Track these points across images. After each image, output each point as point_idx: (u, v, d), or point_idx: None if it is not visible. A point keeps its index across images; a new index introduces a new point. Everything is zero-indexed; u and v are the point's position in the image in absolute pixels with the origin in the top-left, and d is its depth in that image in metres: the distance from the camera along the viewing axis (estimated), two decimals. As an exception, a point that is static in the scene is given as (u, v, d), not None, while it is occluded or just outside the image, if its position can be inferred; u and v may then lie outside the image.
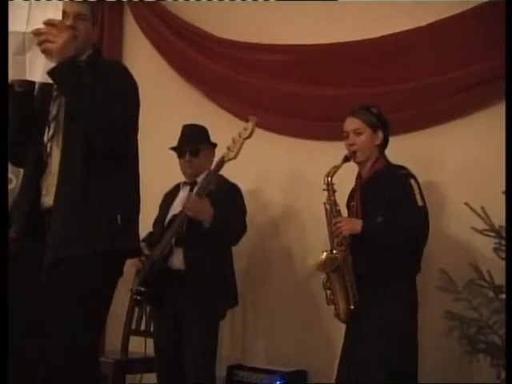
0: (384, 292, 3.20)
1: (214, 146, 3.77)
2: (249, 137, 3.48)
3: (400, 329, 3.18)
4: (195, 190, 3.64)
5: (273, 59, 4.45)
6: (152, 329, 4.02)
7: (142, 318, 4.30)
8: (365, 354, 3.17)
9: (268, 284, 4.46)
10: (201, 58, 4.73)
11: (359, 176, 3.43)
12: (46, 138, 2.59)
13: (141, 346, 4.04)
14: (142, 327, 4.28)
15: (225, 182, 3.77)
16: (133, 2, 5.11)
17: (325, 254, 3.29)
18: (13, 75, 2.44)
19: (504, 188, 2.96)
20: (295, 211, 4.43)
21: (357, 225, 3.23)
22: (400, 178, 3.28)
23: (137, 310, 4.29)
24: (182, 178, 3.85)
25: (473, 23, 3.77)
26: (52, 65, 2.37)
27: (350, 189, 3.50)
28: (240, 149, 3.47)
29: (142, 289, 3.64)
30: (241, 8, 4.64)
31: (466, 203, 3.41)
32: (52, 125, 2.59)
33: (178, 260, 3.61)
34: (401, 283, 3.24)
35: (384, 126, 3.38)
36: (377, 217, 3.23)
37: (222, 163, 3.53)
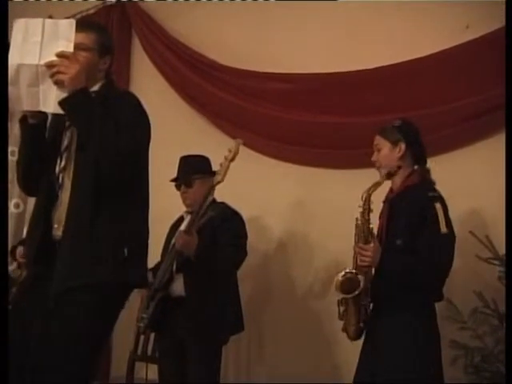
0: (399, 317, 3.05)
1: (211, 174, 3.75)
2: (233, 158, 3.51)
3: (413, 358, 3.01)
4: (183, 225, 3.70)
5: (279, 88, 4.51)
6: (156, 354, 4.04)
7: (147, 344, 4.31)
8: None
9: (272, 309, 4.49)
10: (208, 85, 4.80)
11: (391, 191, 3.29)
12: (57, 169, 2.61)
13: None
14: (148, 353, 4.29)
15: (226, 208, 3.81)
16: (139, 26, 5.18)
17: (341, 274, 3.12)
18: (27, 107, 2.47)
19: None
20: (297, 238, 4.48)
21: (378, 258, 3.07)
22: (425, 200, 3.10)
23: (142, 336, 4.30)
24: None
25: (481, 52, 3.82)
26: (64, 95, 2.40)
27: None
28: (226, 171, 3.51)
29: (145, 316, 3.68)
30: (247, 37, 4.71)
31: (470, 232, 3.43)
32: (64, 155, 2.60)
33: (178, 286, 3.65)
34: (418, 310, 3.06)
35: (407, 137, 3.23)
36: (397, 240, 3.10)
37: (211, 188, 3.57)
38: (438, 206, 3.07)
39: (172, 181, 3.88)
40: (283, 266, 4.52)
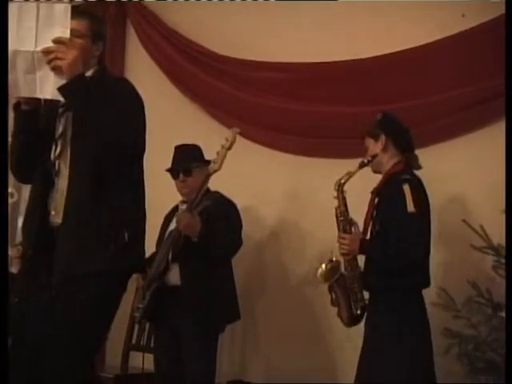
0: (389, 304, 3.16)
1: (207, 163, 3.76)
2: (230, 147, 3.53)
3: (413, 349, 3.13)
4: (186, 206, 3.70)
5: (273, 77, 4.49)
6: (152, 344, 4.04)
7: (142, 334, 4.31)
8: (378, 366, 3.15)
9: (266, 299, 4.49)
10: (202, 74, 4.78)
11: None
12: (52, 156, 2.60)
13: (141, 361, 4.05)
14: (142, 343, 4.29)
15: (221, 197, 3.82)
16: (135, 17, 5.16)
17: (323, 265, 3.32)
18: (24, 93, 2.45)
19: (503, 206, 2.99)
20: (291, 227, 4.48)
21: (356, 246, 3.23)
22: (395, 184, 3.20)
23: (137, 325, 4.30)
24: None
25: (476, 41, 3.80)
26: (62, 82, 2.39)
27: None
28: (223, 160, 3.52)
29: (141, 306, 3.68)
30: (242, 25, 4.69)
31: (463, 220, 3.43)
32: (59, 142, 2.60)
33: (174, 276, 3.66)
34: (402, 297, 3.15)
35: (385, 129, 3.33)
36: (376, 225, 3.25)
37: (208, 176, 3.58)
38: (405, 186, 3.16)
39: (168, 170, 3.87)
40: (277, 255, 4.52)
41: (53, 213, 2.58)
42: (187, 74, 4.87)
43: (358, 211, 3.37)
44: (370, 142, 3.38)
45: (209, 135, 4.34)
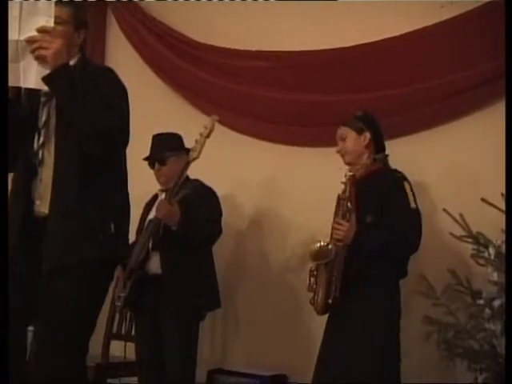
0: (369, 293, 3.26)
1: (186, 151, 3.75)
2: (208, 135, 3.53)
3: (382, 333, 3.25)
4: (165, 195, 3.70)
5: (254, 65, 4.49)
6: (133, 333, 4.04)
7: (123, 322, 4.30)
8: (347, 354, 3.23)
9: (247, 287, 4.50)
10: (183, 63, 4.78)
11: (353, 177, 3.44)
12: (36, 145, 2.60)
13: (122, 350, 4.04)
14: (123, 331, 4.28)
15: (201, 185, 3.83)
16: (115, 5, 5.12)
17: (318, 244, 3.31)
18: (8, 83, 2.43)
19: (482, 194, 3.02)
20: (271, 215, 4.49)
21: (352, 234, 3.26)
22: (395, 180, 3.35)
23: (118, 314, 4.29)
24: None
25: (462, 28, 3.82)
26: (45, 71, 2.38)
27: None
28: (202, 148, 3.52)
29: (122, 295, 3.68)
30: (224, 14, 4.67)
31: (444, 209, 3.45)
32: (42, 132, 2.59)
33: (155, 264, 3.66)
34: (387, 285, 3.31)
35: (371, 127, 3.45)
36: (366, 217, 3.29)
37: (186, 164, 3.58)
38: (406, 183, 3.34)
39: (145, 159, 3.86)
40: (258, 243, 4.53)
41: (37, 202, 2.59)
42: (168, 63, 4.85)
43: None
44: (350, 134, 3.45)
45: (190, 123, 4.32)
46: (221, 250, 3.99)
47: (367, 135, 3.43)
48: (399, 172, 3.40)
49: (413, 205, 3.31)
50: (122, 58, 5.09)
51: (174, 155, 3.79)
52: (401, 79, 4.00)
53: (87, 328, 2.59)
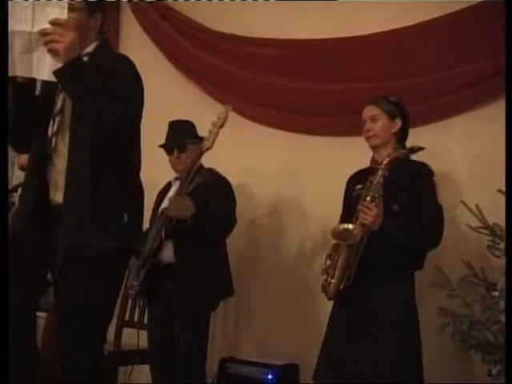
0: (388, 282, 3.17)
1: (201, 139, 3.73)
2: (222, 125, 3.49)
3: (402, 327, 3.15)
4: (175, 189, 3.68)
5: (269, 53, 4.45)
6: (145, 321, 4.04)
7: (135, 310, 4.31)
8: (370, 351, 3.12)
9: (260, 277, 4.48)
10: (197, 50, 4.75)
11: (374, 161, 3.38)
12: (50, 132, 2.60)
13: (134, 338, 4.04)
14: (135, 319, 4.28)
15: (215, 174, 3.78)
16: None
17: (346, 226, 3.18)
18: (20, 73, 2.42)
19: (500, 185, 2.99)
20: (285, 205, 4.46)
21: (380, 221, 3.14)
22: (424, 173, 3.29)
23: (130, 301, 4.29)
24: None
25: (479, 18, 3.78)
26: (58, 64, 2.36)
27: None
28: (215, 138, 3.49)
29: (135, 283, 3.67)
30: (237, 2, 4.64)
31: (462, 201, 3.43)
32: (57, 119, 2.59)
33: (168, 253, 3.64)
34: (404, 276, 3.24)
35: (402, 114, 3.37)
36: (392, 204, 3.19)
37: (200, 154, 3.55)
38: (434, 179, 3.28)
39: (162, 146, 3.83)
40: (272, 232, 4.51)
41: (51, 189, 2.59)
42: (182, 50, 4.84)
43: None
44: (382, 117, 3.35)
45: (202, 110, 4.31)
46: (234, 240, 3.96)
47: (398, 122, 3.35)
48: (427, 165, 3.32)
49: (439, 201, 3.27)
50: (136, 45, 5.07)
51: (193, 143, 3.75)
52: (417, 69, 3.97)
53: (104, 317, 2.59)
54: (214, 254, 3.72)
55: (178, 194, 3.56)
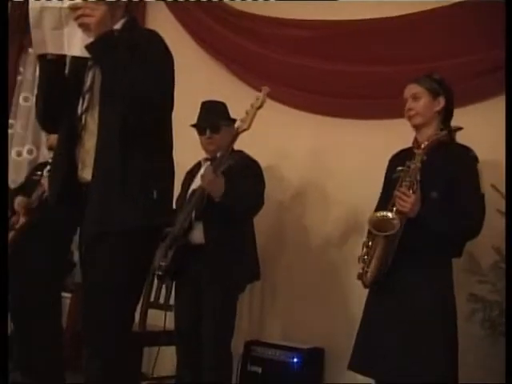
0: (422, 269, 3.07)
1: (234, 121, 3.73)
2: (260, 106, 3.45)
3: (441, 312, 3.05)
4: (206, 169, 3.63)
5: (298, 34, 4.41)
6: (170, 302, 4.04)
7: (160, 291, 4.30)
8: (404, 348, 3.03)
9: (286, 260, 4.47)
10: (225, 31, 4.72)
11: (416, 142, 3.25)
12: (79, 110, 2.58)
13: (158, 319, 4.04)
14: (161, 300, 4.28)
15: (246, 157, 3.76)
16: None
17: (384, 213, 3.07)
18: (51, 50, 2.41)
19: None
20: (313, 188, 4.42)
21: (418, 208, 3.03)
22: (468, 159, 3.14)
23: (155, 283, 4.28)
24: (203, 154, 3.84)
25: (479, 12, 3.72)
26: (90, 39, 2.34)
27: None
28: (252, 119, 3.44)
29: (163, 264, 3.65)
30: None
31: (492, 185, 3.36)
32: (86, 96, 2.57)
33: (198, 234, 3.62)
34: (443, 265, 3.12)
35: (446, 93, 3.24)
36: (432, 191, 3.09)
37: (235, 135, 3.50)
38: (479, 166, 3.13)
39: (194, 126, 3.79)
40: (299, 215, 4.48)
41: (80, 168, 2.57)
42: (209, 31, 4.82)
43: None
44: (424, 94, 3.23)
45: (230, 92, 4.27)
46: (261, 222, 3.94)
47: (441, 100, 3.21)
48: (472, 151, 3.17)
49: (483, 190, 3.12)
50: (163, 26, 5.00)
51: (226, 124, 3.72)
52: (436, 53, 3.90)
53: (131, 297, 2.56)
54: (242, 236, 3.70)
55: (212, 169, 3.50)
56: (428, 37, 3.94)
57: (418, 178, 3.05)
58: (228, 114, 3.80)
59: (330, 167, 4.33)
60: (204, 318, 3.61)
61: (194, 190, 3.66)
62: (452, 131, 3.20)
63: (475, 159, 3.15)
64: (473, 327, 3.28)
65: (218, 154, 3.63)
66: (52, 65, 2.50)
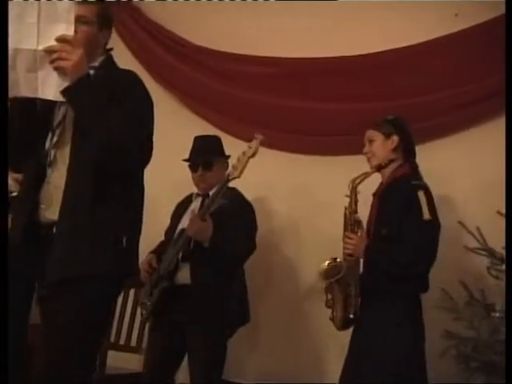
0: (389, 308, 3.14)
1: (227, 157, 3.65)
2: (253, 155, 3.35)
3: (402, 349, 3.10)
4: (195, 206, 3.57)
5: (261, 71, 4.41)
6: (131, 343, 3.90)
7: (120, 332, 4.18)
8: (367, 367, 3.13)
9: (267, 298, 4.38)
10: (182, 66, 4.68)
11: (381, 184, 3.37)
12: (48, 145, 2.48)
13: (119, 361, 3.91)
14: (121, 342, 4.16)
15: (239, 195, 3.66)
16: (113, 7, 5.00)
17: (327, 262, 3.23)
18: (24, 93, 2.32)
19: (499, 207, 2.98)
20: (295, 223, 4.39)
21: (362, 248, 3.17)
22: (409, 189, 3.19)
23: (115, 323, 4.15)
24: (185, 187, 3.77)
25: (472, 41, 3.83)
26: (64, 82, 2.27)
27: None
28: (244, 168, 3.34)
29: (148, 303, 3.54)
30: (226, 19, 4.59)
31: (459, 222, 3.43)
32: (57, 132, 2.48)
33: (184, 275, 3.49)
34: (403, 301, 3.15)
35: (400, 130, 3.33)
36: (382, 228, 3.18)
37: (225, 182, 3.40)
38: (420, 193, 3.17)
39: (186, 161, 3.70)
40: (281, 251, 4.45)
41: (42, 206, 2.46)
42: (168, 67, 4.75)
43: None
44: (377, 137, 3.34)
45: (189, 128, 4.23)
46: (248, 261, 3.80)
47: (395, 138, 3.31)
48: (417, 180, 3.24)
49: (426, 216, 3.12)
50: (119, 62, 4.96)
51: (219, 160, 3.64)
52: (408, 90, 3.99)
53: (93, 344, 2.48)
54: (231, 279, 3.57)
55: (199, 215, 3.41)
56: (400, 74, 4.03)
57: (357, 218, 3.25)
58: (222, 149, 3.71)
59: (310, 202, 4.32)
60: (190, 363, 3.48)
61: (182, 230, 3.53)
62: (411, 167, 3.29)
63: (417, 188, 3.18)
64: (447, 363, 3.29)
65: (212, 192, 3.52)
66: (23, 103, 2.41)
